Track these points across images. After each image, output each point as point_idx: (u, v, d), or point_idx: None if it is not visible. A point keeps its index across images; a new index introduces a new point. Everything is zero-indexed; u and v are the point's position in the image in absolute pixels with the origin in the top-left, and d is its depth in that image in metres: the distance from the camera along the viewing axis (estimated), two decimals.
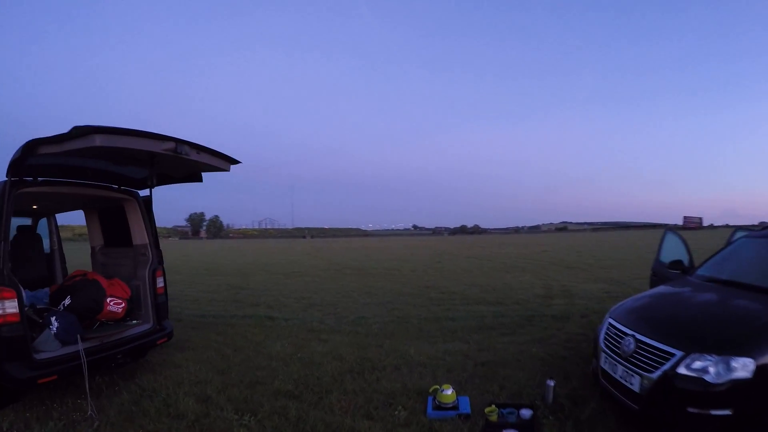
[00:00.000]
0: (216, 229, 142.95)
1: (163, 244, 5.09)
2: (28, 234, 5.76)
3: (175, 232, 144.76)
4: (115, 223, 4.97)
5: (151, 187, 4.45)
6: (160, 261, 4.72)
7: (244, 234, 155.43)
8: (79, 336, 3.71)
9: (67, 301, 4.00)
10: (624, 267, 15.23)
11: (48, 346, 3.66)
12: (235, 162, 4.11)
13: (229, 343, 5.57)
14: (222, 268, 18.15)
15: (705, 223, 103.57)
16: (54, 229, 6.00)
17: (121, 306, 4.20)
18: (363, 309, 8.03)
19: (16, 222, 5.83)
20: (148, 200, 4.73)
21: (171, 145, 3.38)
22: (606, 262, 17.80)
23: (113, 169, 4.20)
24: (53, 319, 3.74)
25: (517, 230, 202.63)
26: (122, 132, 3.06)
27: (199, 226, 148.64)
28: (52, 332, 3.70)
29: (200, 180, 4.53)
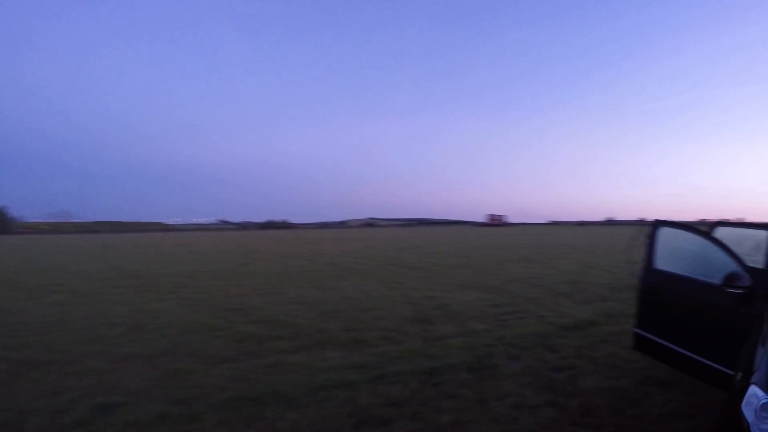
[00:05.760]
0: (2, 223, 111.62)
1: None
2: None
3: None
4: None
5: None
6: None
7: (34, 229, 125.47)
8: None
9: None
10: (473, 267, 13.52)
11: None
12: None
13: None
14: None
15: (506, 221, 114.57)
16: None
17: None
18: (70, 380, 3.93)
19: None
20: None
21: None
22: (448, 260, 16.17)
23: None
24: None
25: (324, 225, 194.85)
26: None
27: None
28: None
29: None
